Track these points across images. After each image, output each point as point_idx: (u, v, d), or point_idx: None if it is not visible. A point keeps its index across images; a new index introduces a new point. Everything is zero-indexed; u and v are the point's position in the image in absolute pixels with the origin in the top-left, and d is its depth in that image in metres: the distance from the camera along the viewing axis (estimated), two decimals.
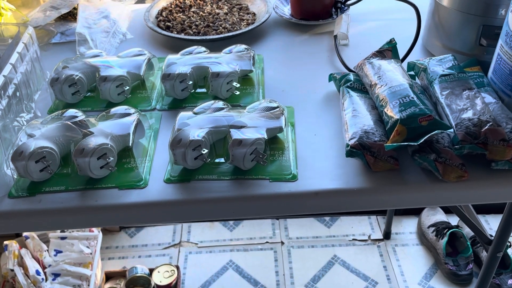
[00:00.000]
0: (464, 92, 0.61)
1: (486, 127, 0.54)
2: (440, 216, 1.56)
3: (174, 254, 1.52)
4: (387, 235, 1.58)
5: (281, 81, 0.78)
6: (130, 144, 0.58)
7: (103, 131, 0.58)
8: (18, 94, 0.62)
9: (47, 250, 1.28)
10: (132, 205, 0.56)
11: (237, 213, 0.58)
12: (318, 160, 0.60)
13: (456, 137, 0.55)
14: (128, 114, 0.62)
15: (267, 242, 1.57)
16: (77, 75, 0.71)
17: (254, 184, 0.57)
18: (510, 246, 1.41)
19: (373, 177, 0.57)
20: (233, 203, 0.56)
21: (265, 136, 0.57)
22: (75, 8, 0.99)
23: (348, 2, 0.96)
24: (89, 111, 0.72)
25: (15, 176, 0.58)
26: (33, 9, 1.03)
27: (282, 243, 1.57)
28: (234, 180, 0.57)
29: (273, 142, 0.61)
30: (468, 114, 0.57)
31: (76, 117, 0.62)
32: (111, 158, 0.56)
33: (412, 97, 0.57)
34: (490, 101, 0.61)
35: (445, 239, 1.45)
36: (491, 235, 0.80)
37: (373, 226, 1.63)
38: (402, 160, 0.58)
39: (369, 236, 1.59)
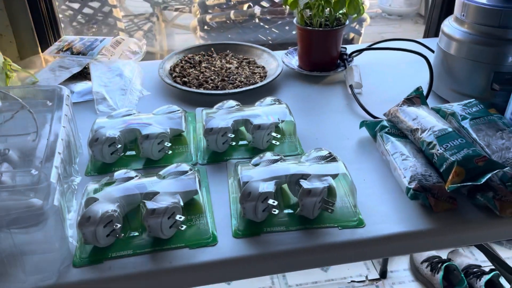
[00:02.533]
0: (497, 133, 0.66)
1: None
2: (430, 251, 1.61)
3: None
4: (383, 274, 1.60)
5: (311, 131, 0.81)
6: (201, 201, 0.57)
7: (167, 190, 0.57)
8: (67, 157, 0.60)
9: None
10: (205, 265, 0.54)
11: (307, 265, 0.58)
12: (378, 204, 0.62)
13: (505, 175, 0.59)
14: (185, 172, 0.62)
15: None
16: (116, 135, 0.70)
17: (324, 233, 0.57)
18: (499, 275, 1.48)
19: (435, 217, 0.59)
20: (304, 254, 0.56)
21: (332, 184, 0.59)
22: (85, 68, 0.98)
23: (354, 55, 1.02)
24: (129, 169, 0.70)
25: (76, 243, 0.55)
26: (35, 69, 1.01)
27: None
28: (302, 231, 0.58)
29: (335, 188, 0.63)
30: (510, 153, 0.62)
31: (131, 177, 0.61)
32: (182, 217, 0.55)
33: (461, 140, 0.62)
34: None
35: (441, 273, 1.50)
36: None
37: (368, 266, 1.65)
38: (458, 199, 0.61)
39: (367, 277, 1.61)
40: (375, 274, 1.62)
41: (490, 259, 0.81)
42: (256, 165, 0.63)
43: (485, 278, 1.46)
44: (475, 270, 1.52)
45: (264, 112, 0.76)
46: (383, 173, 0.68)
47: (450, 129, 0.64)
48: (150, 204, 0.54)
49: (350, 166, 0.71)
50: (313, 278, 1.60)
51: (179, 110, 0.78)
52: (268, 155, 0.64)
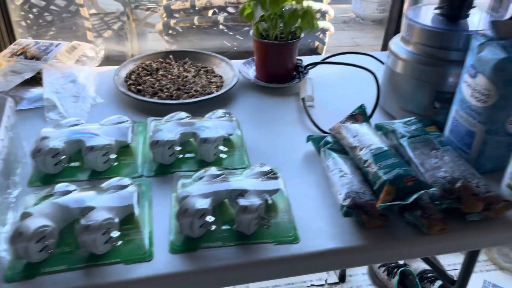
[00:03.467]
0: (431, 152, 0.69)
1: (459, 184, 0.62)
2: None
3: None
4: (342, 278, 1.64)
5: (261, 143, 0.82)
6: (137, 214, 0.57)
7: (104, 205, 0.58)
8: (5, 169, 0.60)
9: None
10: (139, 280, 0.55)
11: (242, 280, 0.59)
12: (315, 220, 0.64)
13: (435, 194, 0.62)
14: (125, 186, 0.62)
15: None
16: (60, 146, 0.69)
17: (259, 249, 0.59)
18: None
19: (367, 234, 0.62)
20: (239, 270, 0.58)
21: (269, 200, 0.60)
22: (38, 73, 0.97)
23: (308, 67, 1.04)
24: (74, 181, 0.70)
25: (8, 258, 0.55)
26: None
27: None
28: (239, 246, 0.59)
29: (272, 204, 0.65)
30: (441, 172, 0.65)
31: (70, 191, 0.61)
32: (117, 233, 0.56)
33: (395, 159, 0.64)
34: (454, 158, 0.71)
35: (397, 278, 1.54)
36: (452, 276, 0.88)
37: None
38: (389, 216, 0.64)
39: (326, 281, 1.64)
40: (334, 278, 1.65)
41: (432, 268, 0.85)
42: (200, 178, 0.64)
43: (438, 283, 1.51)
44: (429, 275, 1.57)
45: (213, 125, 0.77)
46: (324, 188, 0.70)
47: (386, 148, 0.67)
48: (83, 220, 0.54)
49: (293, 180, 0.73)
50: (273, 282, 1.63)
51: (127, 120, 0.78)
52: (212, 170, 0.66)
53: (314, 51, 1.73)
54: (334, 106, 0.95)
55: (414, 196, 0.59)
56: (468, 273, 0.82)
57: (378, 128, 0.80)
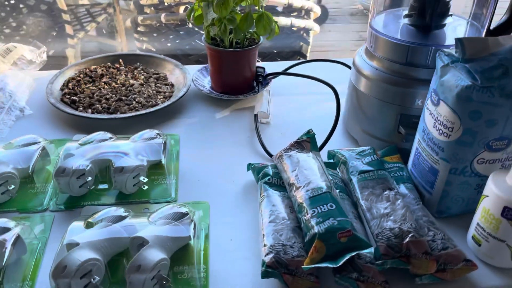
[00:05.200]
0: (384, 193, 0.58)
1: (407, 239, 0.51)
2: None
3: None
4: None
5: (197, 168, 0.72)
6: (1, 278, 0.47)
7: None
8: None
9: None
10: None
11: None
12: (233, 276, 0.53)
13: (377, 250, 0.51)
14: (8, 229, 0.52)
15: None
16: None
17: None
18: None
19: None
20: None
21: (168, 256, 0.50)
22: None
23: (269, 77, 0.93)
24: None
25: None
26: None
27: None
28: None
29: (180, 255, 0.54)
30: (389, 222, 0.53)
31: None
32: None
33: (331, 205, 0.53)
34: (410, 202, 0.59)
35: None
36: None
37: None
38: (324, 276, 0.52)
39: None
40: None
41: None
42: (94, 224, 0.53)
43: None
44: None
45: (136, 150, 0.66)
46: (253, 232, 0.59)
47: (324, 188, 0.55)
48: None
49: (223, 219, 0.62)
50: None
51: (39, 142, 0.68)
52: (112, 211, 0.55)
53: (299, 52, 1.60)
54: (293, 125, 0.83)
55: (345, 258, 0.48)
56: None
57: (331, 156, 0.69)
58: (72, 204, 0.63)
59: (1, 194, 0.61)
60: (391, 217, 0.54)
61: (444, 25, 0.69)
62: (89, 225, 0.53)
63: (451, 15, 0.69)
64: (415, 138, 0.64)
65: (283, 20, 1.57)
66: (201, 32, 1.37)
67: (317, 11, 1.59)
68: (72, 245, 0.50)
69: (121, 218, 0.54)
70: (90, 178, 0.63)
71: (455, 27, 0.70)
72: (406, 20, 0.70)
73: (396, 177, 0.63)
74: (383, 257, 0.50)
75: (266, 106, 0.84)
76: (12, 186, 0.61)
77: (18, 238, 0.52)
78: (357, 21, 4.14)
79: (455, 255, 0.52)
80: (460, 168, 0.57)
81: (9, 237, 0.51)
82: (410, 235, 0.51)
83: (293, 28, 1.48)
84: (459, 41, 0.52)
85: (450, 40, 0.68)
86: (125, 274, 0.48)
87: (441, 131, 0.56)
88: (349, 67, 0.86)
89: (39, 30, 1.90)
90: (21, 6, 1.92)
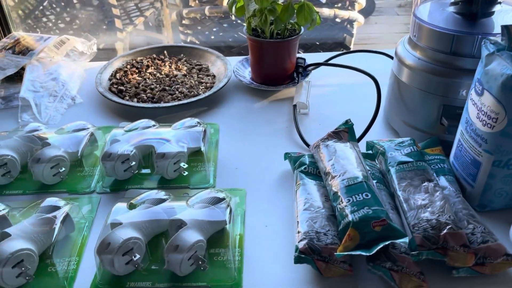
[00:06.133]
0: (423, 184, 0.57)
1: (445, 231, 0.50)
2: None
3: None
4: None
5: (235, 157, 0.73)
6: (51, 252, 0.51)
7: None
8: None
9: None
10: None
11: None
12: (267, 261, 0.54)
13: (413, 241, 0.50)
14: (58, 207, 0.56)
15: None
16: (8, 156, 0.65)
17: None
18: None
19: (325, 283, 0.51)
20: None
21: (207, 236, 0.51)
22: (23, 69, 0.93)
23: (310, 68, 0.93)
24: (20, 194, 0.65)
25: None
26: None
27: None
28: None
29: (216, 238, 0.56)
30: (427, 213, 0.52)
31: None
32: (29, 267, 0.50)
33: (367, 195, 0.53)
34: (450, 194, 0.57)
35: None
36: None
37: None
38: (357, 264, 0.52)
39: None
40: None
41: None
42: (136, 205, 0.56)
43: None
44: None
45: (177, 137, 0.69)
46: (288, 219, 0.60)
47: (360, 178, 0.55)
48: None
49: (259, 206, 0.63)
50: None
51: (88, 128, 0.71)
52: (153, 194, 0.58)
53: (342, 44, 1.58)
54: (332, 116, 0.82)
55: (379, 247, 0.48)
56: None
57: (369, 147, 0.68)
58: (117, 187, 0.66)
59: (53, 176, 0.66)
60: (429, 209, 0.53)
61: (493, 13, 0.67)
62: (132, 207, 0.56)
63: (500, 2, 0.66)
64: (458, 130, 0.62)
65: (326, 11, 1.56)
66: (244, 24, 1.39)
67: (361, 2, 1.56)
68: (115, 225, 0.53)
69: (161, 201, 0.57)
70: (134, 163, 0.66)
71: (504, 15, 0.67)
72: (452, 8, 0.68)
73: (437, 169, 0.62)
74: (418, 248, 0.50)
75: (305, 96, 0.84)
76: (63, 169, 0.66)
77: (67, 216, 0.56)
78: (405, 13, 4.00)
79: (496, 248, 0.50)
80: (504, 160, 0.55)
81: (59, 214, 0.55)
82: (448, 227, 0.50)
83: (337, 20, 1.47)
84: (505, 28, 0.50)
85: (498, 28, 0.65)
86: (164, 253, 0.50)
87: (484, 122, 0.54)
88: (391, 57, 0.85)
89: (91, 24, 1.99)
90: (74, 1, 2.01)
